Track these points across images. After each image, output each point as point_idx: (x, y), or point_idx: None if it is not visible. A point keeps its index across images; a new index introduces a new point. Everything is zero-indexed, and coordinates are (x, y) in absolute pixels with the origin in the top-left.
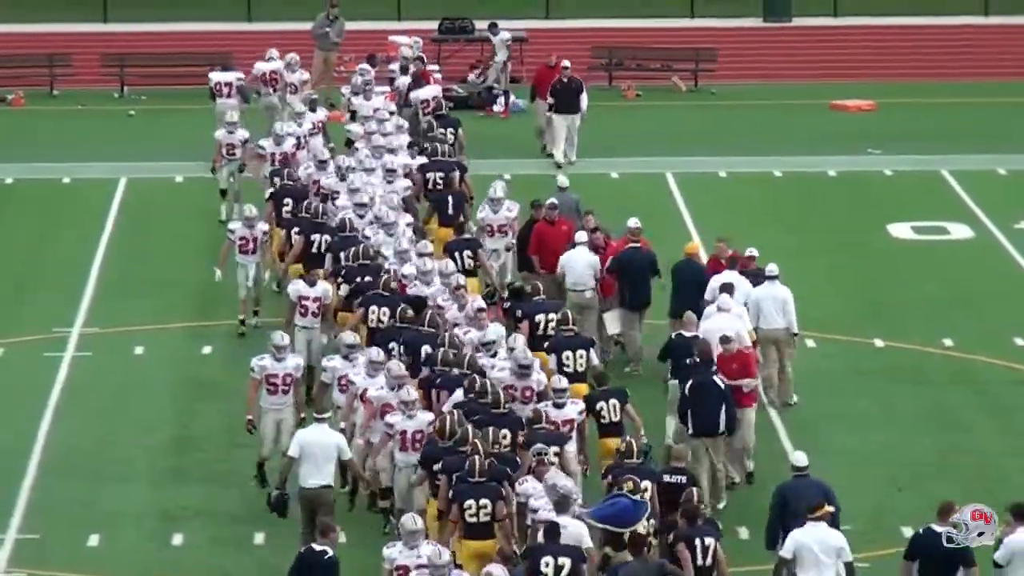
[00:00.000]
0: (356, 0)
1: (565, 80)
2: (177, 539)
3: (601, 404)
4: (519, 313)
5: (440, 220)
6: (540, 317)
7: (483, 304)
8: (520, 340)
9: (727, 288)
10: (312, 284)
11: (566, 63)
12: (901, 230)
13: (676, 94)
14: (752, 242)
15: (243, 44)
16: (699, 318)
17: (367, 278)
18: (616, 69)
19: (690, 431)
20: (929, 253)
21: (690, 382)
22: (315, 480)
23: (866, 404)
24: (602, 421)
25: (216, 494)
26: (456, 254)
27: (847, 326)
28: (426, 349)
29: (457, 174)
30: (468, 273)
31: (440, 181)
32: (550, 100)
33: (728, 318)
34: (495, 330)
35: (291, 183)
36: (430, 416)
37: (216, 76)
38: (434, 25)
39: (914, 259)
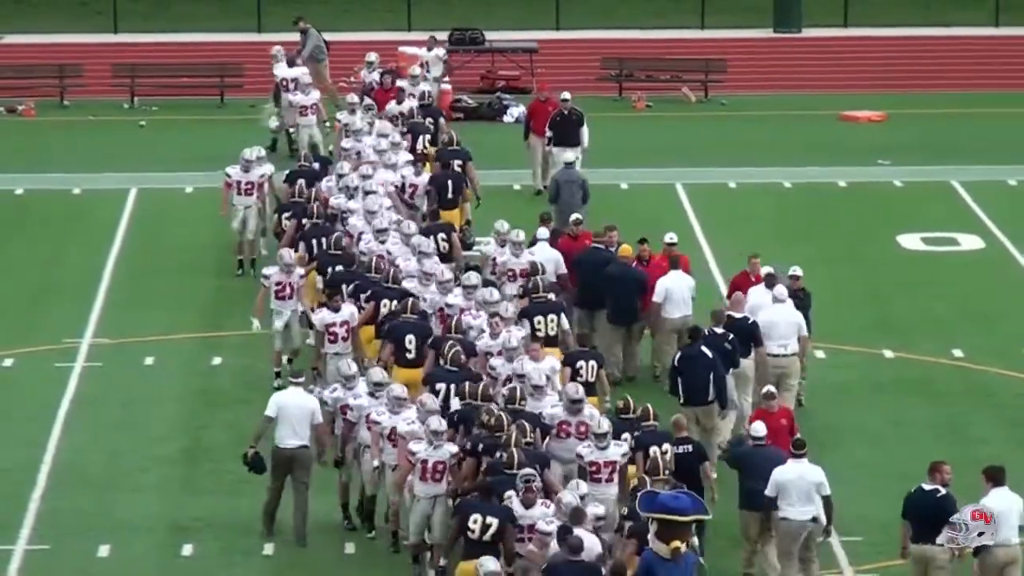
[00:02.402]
0: (367, 10)
1: (565, 112)
2: (187, 550)
3: (580, 363)
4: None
5: (440, 203)
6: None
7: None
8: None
9: (771, 280)
10: (336, 310)
11: (566, 95)
12: (911, 241)
13: (686, 105)
14: (761, 253)
15: (253, 55)
16: (637, 319)
17: (340, 267)
18: (626, 80)
19: (680, 401)
20: (939, 264)
21: (679, 353)
22: (292, 441)
23: (876, 415)
24: (579, 379)
25: (226, 505)
26: (431, 237)
27: (857, 337)
28: (410, 338)
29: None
30: (443, 258)
31: (459, 167)
32: (549, 133)
33: (785, 308)
34: (547, 364)
35: (305, 165)
36: (454, 448)
37: (281, 72)
38: (444, 36)
39: (924, 270)
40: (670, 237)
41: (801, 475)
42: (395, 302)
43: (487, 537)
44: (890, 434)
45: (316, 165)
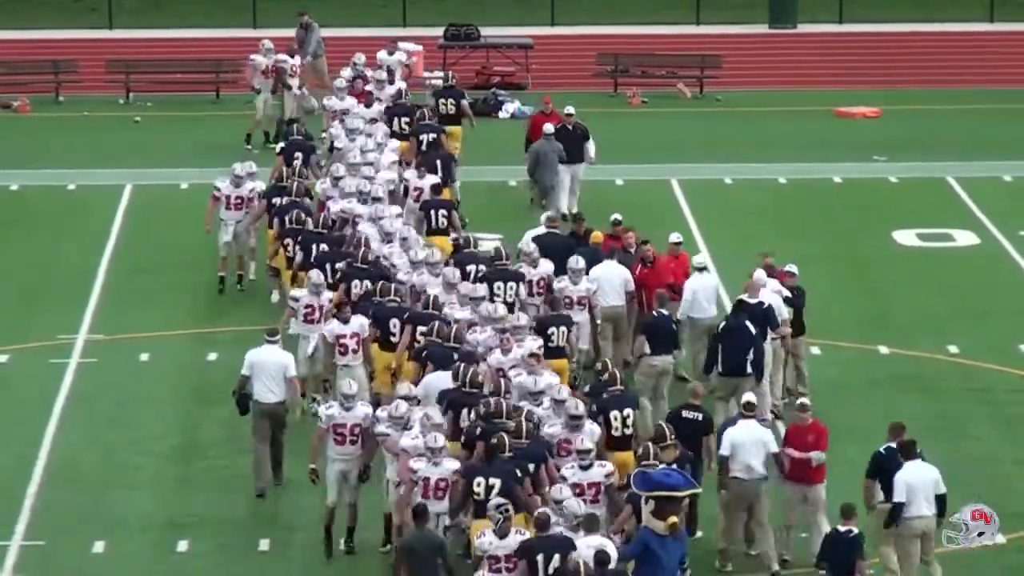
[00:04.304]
0: (362, 6)
1: (570, 127)
2: (182, 546)
3: (552, 329)
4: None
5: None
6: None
7: (536, 350)
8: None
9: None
10: (346, 321)
11: (570, 109)
12: (906, 237)
13: (681, 101)
14: (757, 249)
15: (248, 50)
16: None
17: (322, 246)
18: (621, 76)
19: (719, 371)
20: (934, 260)
21: (722, 324)
22: (270, 397)
23: (871, 412)
24: (549, 345)
25: (221, 501)
26: (431, 213)
27: (852, 333)
28: (394, 322)
29: (443, 136)
30: (440, 232)
31: (431, 143)
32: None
33: (765, 292)
34: (546, 380)
35: (299, 138)
36: (456, 464)
37: (291, 60)
38: (439, 31)
39: (919, 266)
40: (675, 237)
41: (750, 435)
42: (367, 282)
43: (492, 496)
44: (885, 430)
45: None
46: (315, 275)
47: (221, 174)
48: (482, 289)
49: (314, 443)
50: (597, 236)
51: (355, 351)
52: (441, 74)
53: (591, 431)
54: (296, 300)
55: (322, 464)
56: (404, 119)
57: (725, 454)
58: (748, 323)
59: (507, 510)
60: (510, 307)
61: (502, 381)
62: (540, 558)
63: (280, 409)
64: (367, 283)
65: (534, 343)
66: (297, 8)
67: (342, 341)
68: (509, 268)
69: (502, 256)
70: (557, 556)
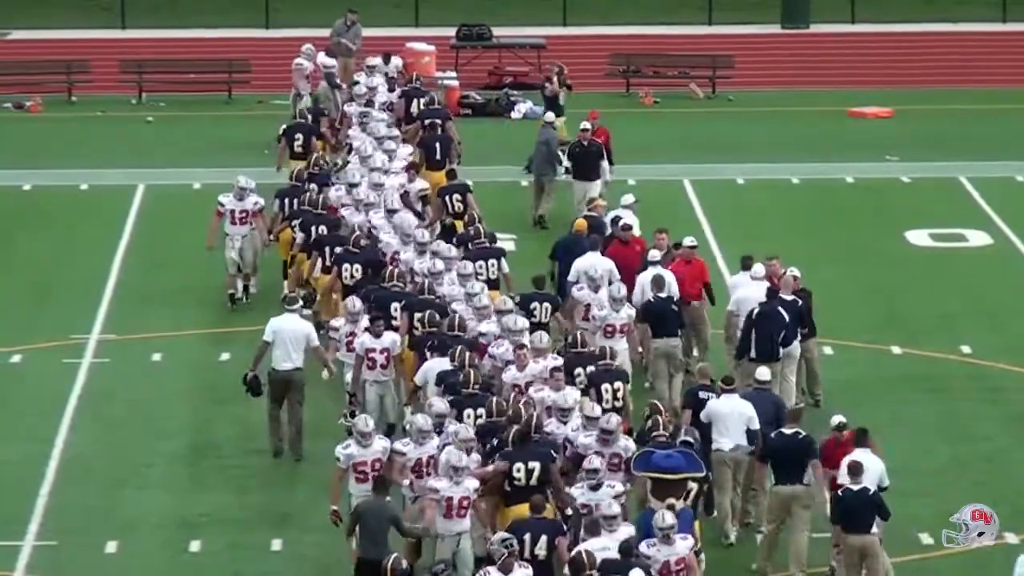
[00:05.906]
0: (374, 7)
1: (585, 143)
2: (194, 546)
3: (535, 304)
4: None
5: (428, 164)
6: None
7: (559, 364)
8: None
9: (747, 261)
10: (378, 336)
11: (585, 124)
12: (919, 237)
13: (693, 101)
14: (769, 249)
15: (261, 51)
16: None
17: (322, 228)
18: (634, 76)
19: (752, 355)
20: (947, 260)
21: (755, 309)
22: (287, 364)
23: (883, 411)
24: (532, 320)
25: (233, 500)
26: (446, 198)
27: (865, 333)
28: (395, 306)
29: (449, 122)
30: (456, 216)
31: (432, 126)
32: (567, 163)
33: (760, 286)
34: (572, 395)
35: (301, 120)
36: (476, 483)
37: (323, 59)
38: (452, 31)
39: (932, 266)
40: (690, 240)
41: (733, 408)
42: (358, 266)
43: (533, 481)
44: (896, 430)
45: (310, 118)
46: (351, 303)
47: (232, 176)
48: (510, 302)
49: (334, 484)
50: (581, 224)
51: (384, 366)
52: (453, 74)
53: (626, 447)
54: (336, 330)
55: (343, 505)
56: (422, 100)
57: (705, 421)
58: (780, 308)
59: (511, 544)
60: (494, 283)
61: (520, 398)
62: (528, 537)
63: (296, 376)
64: (357, 267)
65: (556, 361)
66: (309, 8)
67: (371, 355)
68: (488, 246)
69: (481, 234)
70: (544, 538)
